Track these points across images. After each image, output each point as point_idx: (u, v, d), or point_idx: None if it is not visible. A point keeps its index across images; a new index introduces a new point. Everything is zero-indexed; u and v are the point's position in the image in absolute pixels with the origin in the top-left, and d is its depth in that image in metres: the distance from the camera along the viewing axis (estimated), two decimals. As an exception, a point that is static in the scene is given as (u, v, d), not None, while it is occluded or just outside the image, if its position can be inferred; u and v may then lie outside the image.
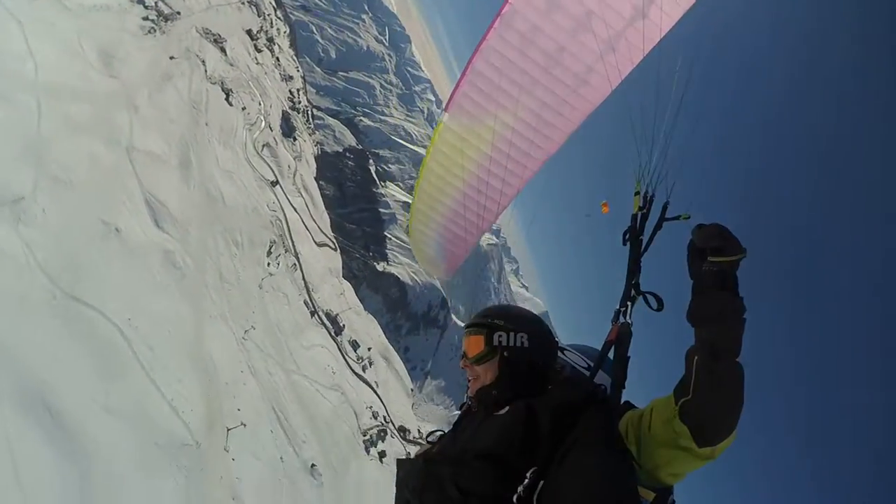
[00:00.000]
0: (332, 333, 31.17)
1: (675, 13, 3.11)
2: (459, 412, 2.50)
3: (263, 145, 32.28)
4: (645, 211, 2.30)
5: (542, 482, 1.66)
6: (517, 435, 1.83)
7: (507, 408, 2.04)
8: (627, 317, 2.16)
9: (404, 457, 2.45)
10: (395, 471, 2.32)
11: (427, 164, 5.13)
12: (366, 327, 38.11)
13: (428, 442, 2.39)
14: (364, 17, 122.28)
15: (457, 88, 4.65)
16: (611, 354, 2.72)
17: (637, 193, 2.33)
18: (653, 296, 2.13)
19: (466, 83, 4.54)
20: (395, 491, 2.26)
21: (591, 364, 2.54)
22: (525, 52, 3.98)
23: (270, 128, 34.72)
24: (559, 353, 2.63)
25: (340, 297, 35.92)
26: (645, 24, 3.06)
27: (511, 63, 4.14)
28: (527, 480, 1.67)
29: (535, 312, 2.47)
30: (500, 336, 2.25)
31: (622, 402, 2.10)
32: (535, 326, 2.32)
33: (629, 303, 2.18)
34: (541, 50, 3.91)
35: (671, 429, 1.83)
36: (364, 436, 27.77)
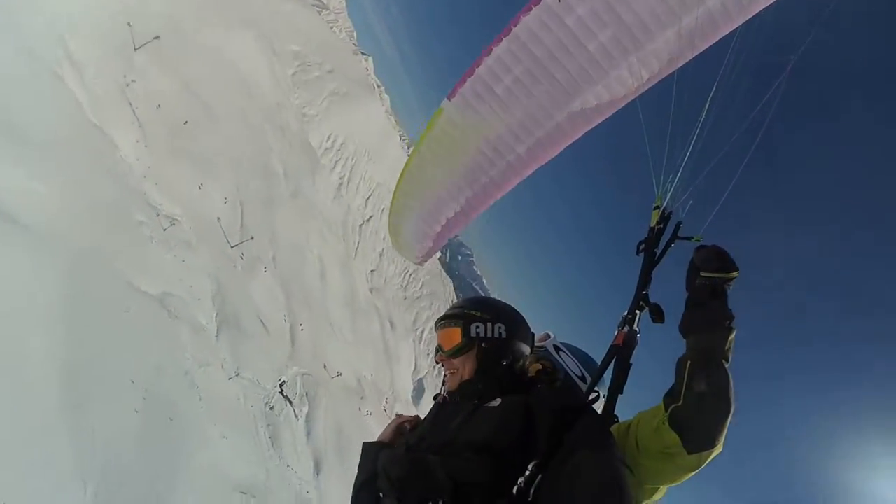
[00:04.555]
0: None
1: (705, 42, 3.26)
2: (434, 403, 2.44)
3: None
4: (661, 226, 2.38)
5: (539, 476, 1.68)
6: (515, 428, 1.83)
7: (498, 399, 2.02)
8: (635, 325, 2.20)
9: (371, 441, 2.36)
10: (361, 454, 2.23)
11: (419, 147, 5.08)
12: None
13: (400, 433, 2.32)
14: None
15: (465, 77, 4.63)
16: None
17: (656, 208, 2.42)
18: (657, 308, 2.19)
19: (477, 75, 4.52)
20: (357, 475, 2.17)
21: (585, 374, 2.56)
22: (548, 51, 4.02)
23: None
24: (555, 352, 2.65)
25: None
26: (680, 45, 3.18)
27: (529, 62, 4.18)
28: (528, 473, 1.68)
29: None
30: (477, 327, 2.22)
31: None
32: (512, 317, 2.31)
33: (637, 311, 2.22)
34: (564, 53, 3.97)
35: (659, 437, 1.89)
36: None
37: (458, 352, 2.23)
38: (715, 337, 1.90)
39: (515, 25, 4.24)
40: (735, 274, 1.97)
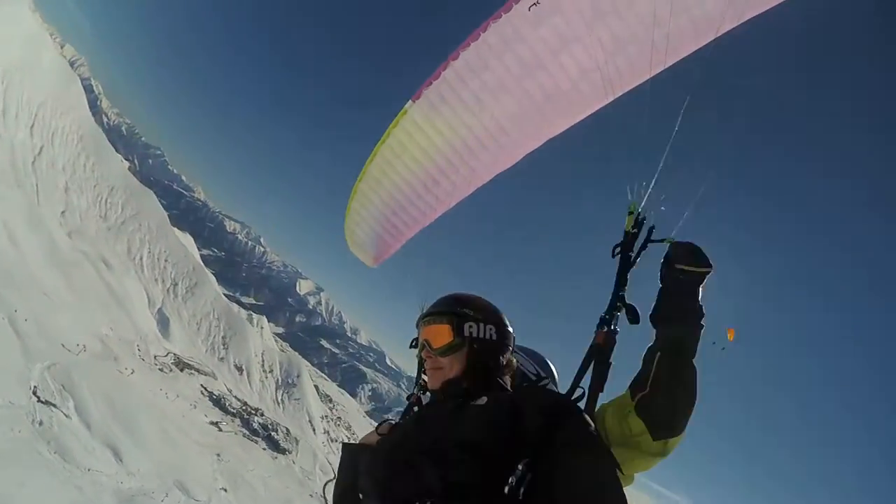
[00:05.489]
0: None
1: (685, 49, 3.32)
2: (409, 402, 2.44)
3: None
4: (635, 231, 2.41)
5: (530, 475, 1.65)
6: (504, 426, 1.80)
7: (485, 398, 1.99)
8: (613, 325, 2.21)
9: (350, 442, 2.29)
10: (341, 455, 2.20)
11: (380, 147, 4.97)
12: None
13: (379, 434, 2.24)
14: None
15: (431, 80, 4.56)
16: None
17: (630, 213, 2.44)
18: (633, 310, 2.21)
19: (443, 78, 4.47)
20: (337, 476, 2.13)
21: (541, 373, 2.61)
22: (518, 60, 4.02)
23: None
24: None
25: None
26: (654, 49, 3.22)
27: (497, 69, 4.16)
28: (518, 472, 1.65)
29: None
30: (470, 327, 2.19)
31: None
32: (500, 318, 2.30)
33: (615, 312, 2.23)
34: (535, 62, 3.97)
35: (626, 425, 1.96)
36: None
37: (448, 350, 2.18)
38: (686, 329, 1.97)
39: (484, 31, 4.23)
40: (708, 269, 2.04)
